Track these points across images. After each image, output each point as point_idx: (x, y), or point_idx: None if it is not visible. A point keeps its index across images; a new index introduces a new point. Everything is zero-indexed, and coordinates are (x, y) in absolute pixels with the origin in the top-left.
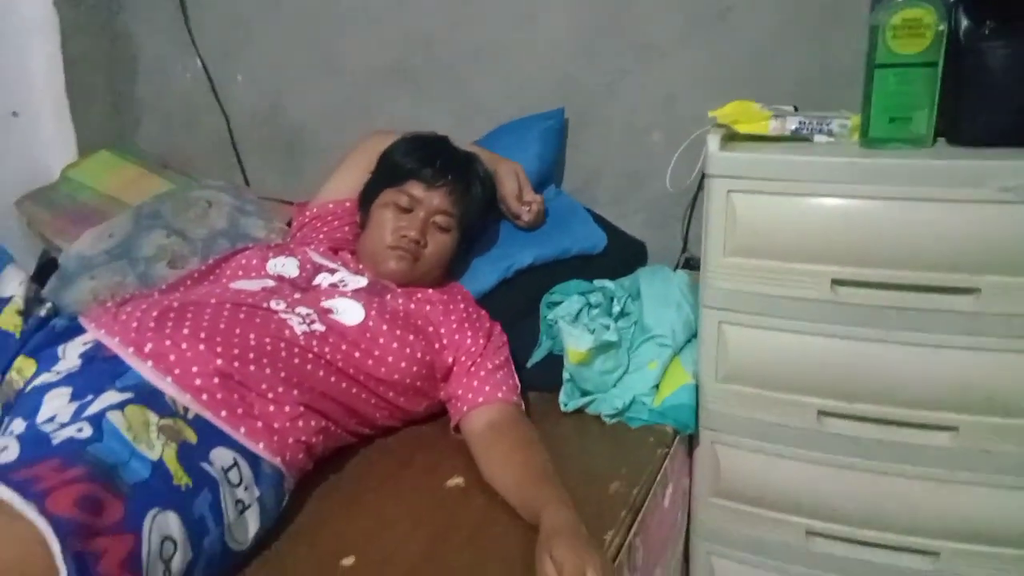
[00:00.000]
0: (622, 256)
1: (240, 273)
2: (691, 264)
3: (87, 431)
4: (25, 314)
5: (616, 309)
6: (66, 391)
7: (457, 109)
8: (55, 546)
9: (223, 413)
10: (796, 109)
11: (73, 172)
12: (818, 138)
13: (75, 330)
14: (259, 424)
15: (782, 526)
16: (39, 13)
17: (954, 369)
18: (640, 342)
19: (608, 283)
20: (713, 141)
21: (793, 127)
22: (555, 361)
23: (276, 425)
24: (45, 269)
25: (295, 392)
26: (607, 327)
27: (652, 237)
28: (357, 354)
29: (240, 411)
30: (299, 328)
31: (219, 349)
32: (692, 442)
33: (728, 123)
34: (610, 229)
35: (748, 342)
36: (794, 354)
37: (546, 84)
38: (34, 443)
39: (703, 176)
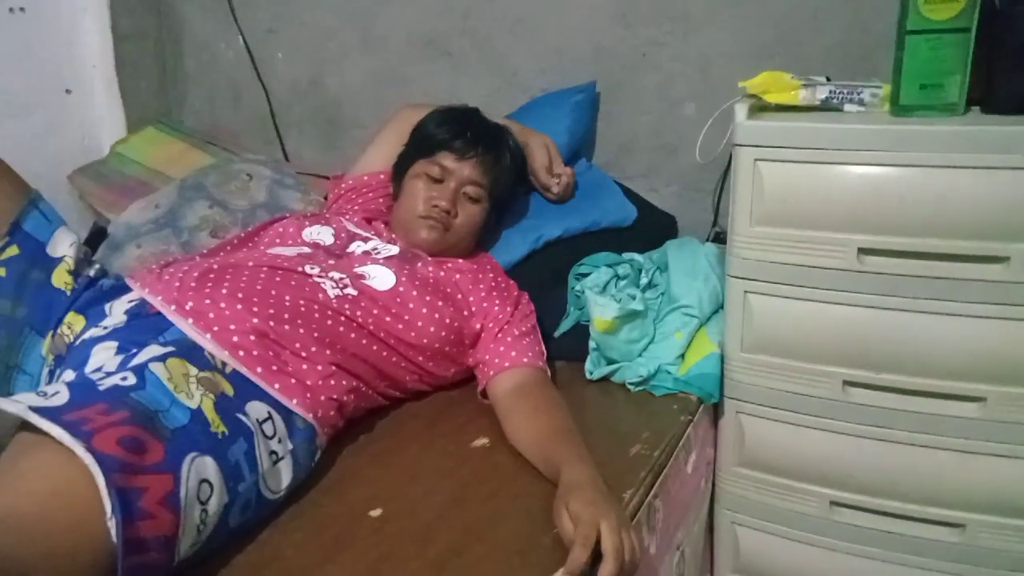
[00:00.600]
0: (652, 229)
1: (277, 240)
2: (721, 238)
3: (131, 379)
4: (75, 273)
5: (644, 280)
6: (112, 344)
7: (493, 82)
8: (100, 479)
9: (259, 369)
10: (828, 79)
11: (122, 147)
12: (848, 107)
13: (121, 289)
14: (293, 381)
15: (806, 496)
16: None
17: (982, 339)
18: (666, 312)
19: (636, 255)
20: (741, 110)
21: (823, 96)
22: (582, 331)
23: (309, 383)
24: (95, 237)
25: (327, 352)
26: (633, 297)
27: (683, 210)
28: (388, 318)
29: (275, 368)
30: (332, 292)
31: (255, 309)
32: (717, 412)
33: (758, 93)
34: (640, 202)
35: (774, 312)
36: (820, 324)
37: (580, 56)
38: (82, 389)
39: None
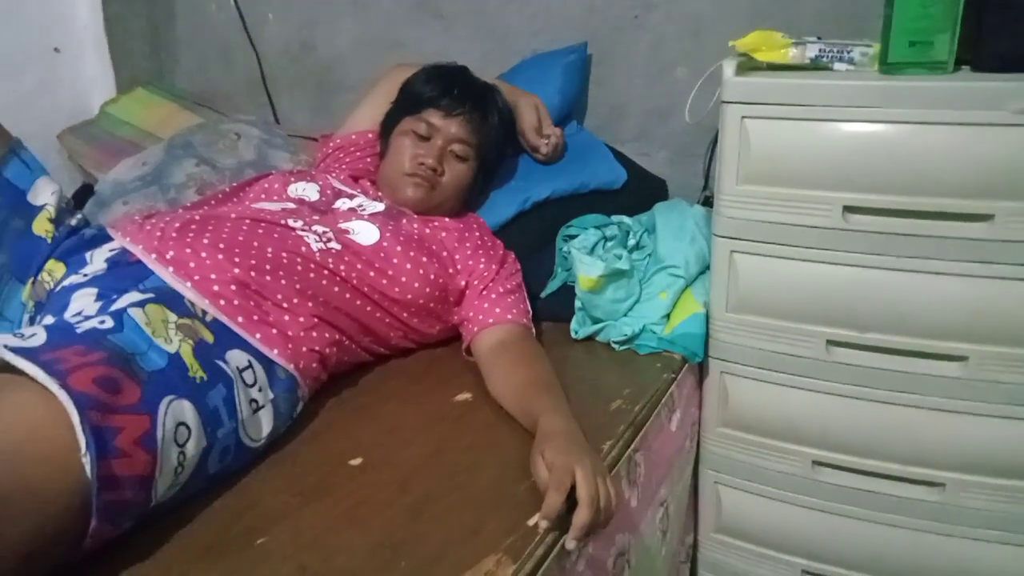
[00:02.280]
0: (642, 193)
1: (263, 196)
2: (710, 202)
3: (109, 323)
4: (56, 222)
5: (632, 242)
6: (92, 291)
7: (484, 44)
8: (74, 416)
9: (239, 319)
10: (820, 39)
11: (112, 108)
12: (838, 66)
13: (102, 238)
14: (274, 331)
15: (789, 456)
16: None
17: (966, 298)
18: (653, 273)
19: (625, 218)
20: (729, 66)
21: (813, 55)
22: (569, 292)
23: (290, 333)
24: (82, 194)
25: (310, 304)
26: (619, 257)
27: (674, 174)
28: (372, 273)
29: (256, 318)
30: (315, 245)
31: (237, 259)
32: (702, 373)
33: (748, 52)
34: (631, 166)
35: (759, 271)
36: (804, 283)
37: (571, 17)
38: (60, 332)
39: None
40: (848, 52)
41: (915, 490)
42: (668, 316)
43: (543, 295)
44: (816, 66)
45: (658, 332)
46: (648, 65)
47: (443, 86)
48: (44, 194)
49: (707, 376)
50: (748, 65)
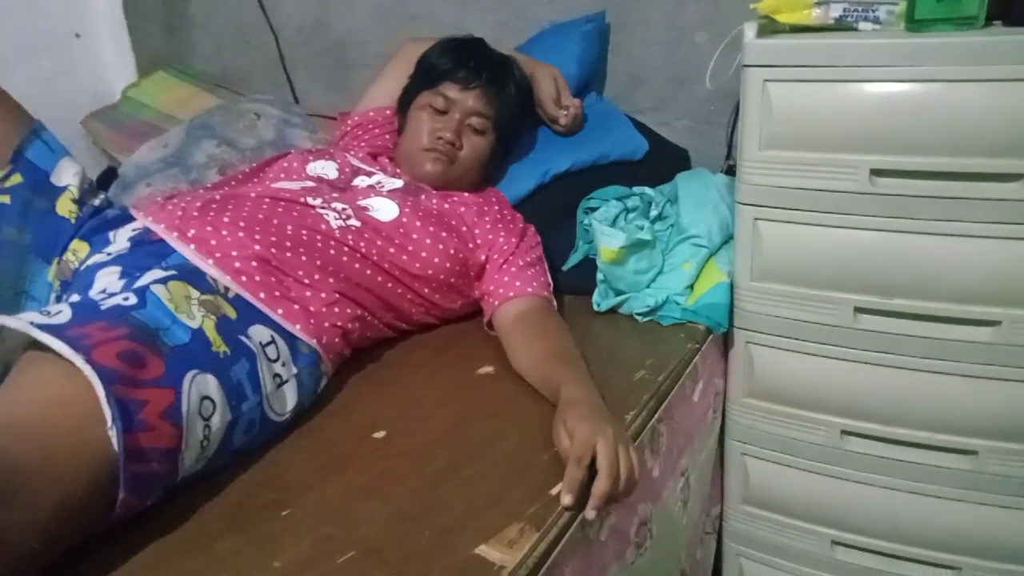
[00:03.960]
0: (664, 163)
1: (282, 175)
2: (733, 171)
3: (132, 299)
4: (79, 202)
5: (654, 213)
6: (116, 269)
7: (499, 15)
8: (100, 390)
9: (261, 295)
10: None
11: (133, 92)
12: (863, 25)
13: (125, 218)
14: (296, 307)
15: (816, 426)
16: None
17: (997, 261)
18: (676, 243)
19: (647, 189)
20: (750, 29)
21: (837, 15)
22: (590, 265)
23: (312, 309)
24: (106, 177)
25: (331, 280)
26: (641, 227)
27: (695, 143)
28: (392, 249)
29: (277, 294)
30: (335, 222)
31: (258, 236)
32: (727, 343)
33: (770, 13)
34: (652, 136)
35: (783, 238)
36: (830, 249)
37: None
38: (84, 309)
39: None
40: (873, 11)
41: (946, 458)
42: (692, 286)
43: (565, 268)
44: (840, 26)
45: (681, 303)
46: (666, 31)
47: (459, 58)
48: (67, 175)
49: (732, 346)
50: (770, 28)
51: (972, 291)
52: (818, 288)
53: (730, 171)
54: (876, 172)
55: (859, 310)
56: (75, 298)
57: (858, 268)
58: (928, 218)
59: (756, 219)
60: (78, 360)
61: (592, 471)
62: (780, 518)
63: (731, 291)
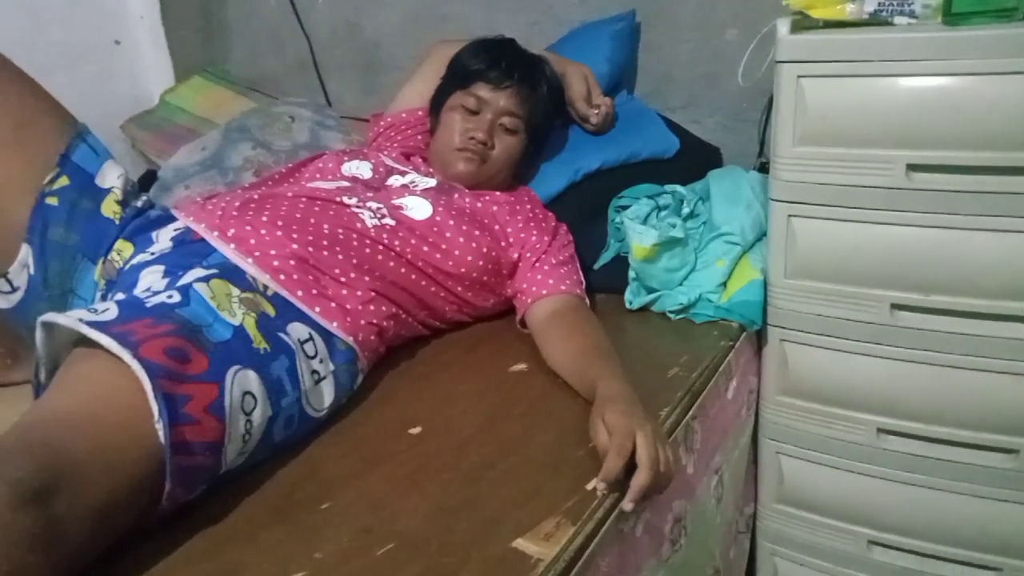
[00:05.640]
0: (695, 161)
1: (317, 175)
2: (766, 168)
3: (176, 297)
4: (123, 203)
5: (686, 211)
6: (159, 268)
7: (529, 15)
8: (147, 384)
9: (299, 293)
10: None
11: (170, 96)
12: (898, 20)
13: (167, 219)
14: (333, 305)
15: (852, 424)
16: None
17: None
18: (708, 241)
19: (678, 187)
20: (783, 24)
21: (872, 9)
22: (622, 263)
23: (348, 307)
24: (146, 180)
25: (366, 278)
26: (673, 225)
27: (728, 141)
28: (425, 248)
29: (315, 292)
30: (370, 221)
31: (295, 235)
32: (760, 341)
33: (802, 9)
34: (683, 134)
35: (818, 235)
36: (866, 246)
37: None
38: (130, 306)
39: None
40: (909, 4)
41: (987, 457)
42: (725, 284)
43: (596, 266)
44: (875, 21)
45: (715, 300)
46: (697, 29)
47: (490, 59)
48: (111, 177)
49: (766, 344)
50: (803, 24)
51: (1012, 287)
52: (853, 285)
53: (763, 168)
54: (912, 167)
55: (896, 307)
56: (121, 296)
57: (894, 264)
58: (967, 213)
59: (790, 216)
60: (126, 355)
61: (629, 465)
62: (815, 517)
63: (764, 288)
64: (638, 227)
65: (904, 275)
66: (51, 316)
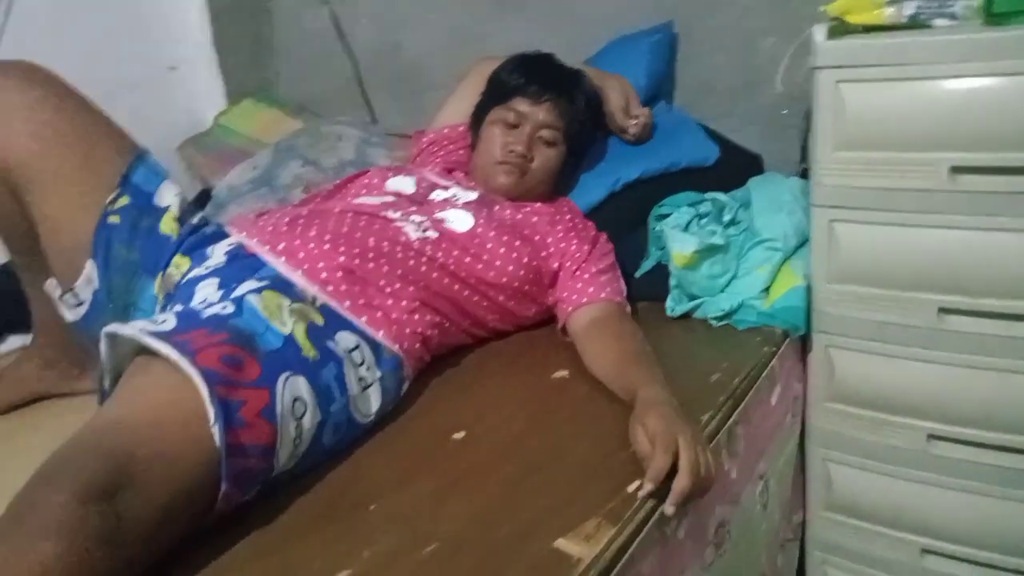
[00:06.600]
0: (736, 169)
1: (363, 191)
2: (807, 175)
3: (230, 308)
4: (180, 221)
5: (726, 218)
6: (214, 281)
7: (567, 31)
8: (204, 390)
9: (346, 303)
10: None
11: (224, 119)
12: (938, 22)
13: (221, 235)
14: (379, 314)
15: (901, 430)
16: None
17: None
18: (749, 247)
19: (719, 195)
20: (820, 31)
21: (910, 12)
22: (663, 271)
23: (394, 316)
24: (201, 198)
25: (411, 289)
26: (714, 232)
27: (769, 148)
28: (467, 259)
29: (361, 302)
30: (414, 234)
31: (342, 249)
32: (805, 347)
33: (840, 15)
34: (723, 142)
35: (861, 240)
36: (910, 249)
37: None
38: (187, 317)
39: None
40: (949, 6)
41: None
42: (767, 290)
43: (637, 275)
44: (914, 24)
45: (757, 306)
46: (734, 38)
47: (529, 74)
48: (168, 196)
49: (811, 350)
50: (840, 29)
51: None
52: (899, 289)
53: (804, 175)
54: (956, 169)
55: (944, 311)
56: (178, 308)
57: (940, 267)
58: (1013, 215)
59: (831, 221)
60: (184, 363)
61: (671, 469)
62: (866, 525)
63: (808, 294)
64: (678, 235)
65: (950, 278)
66: (114, 327)
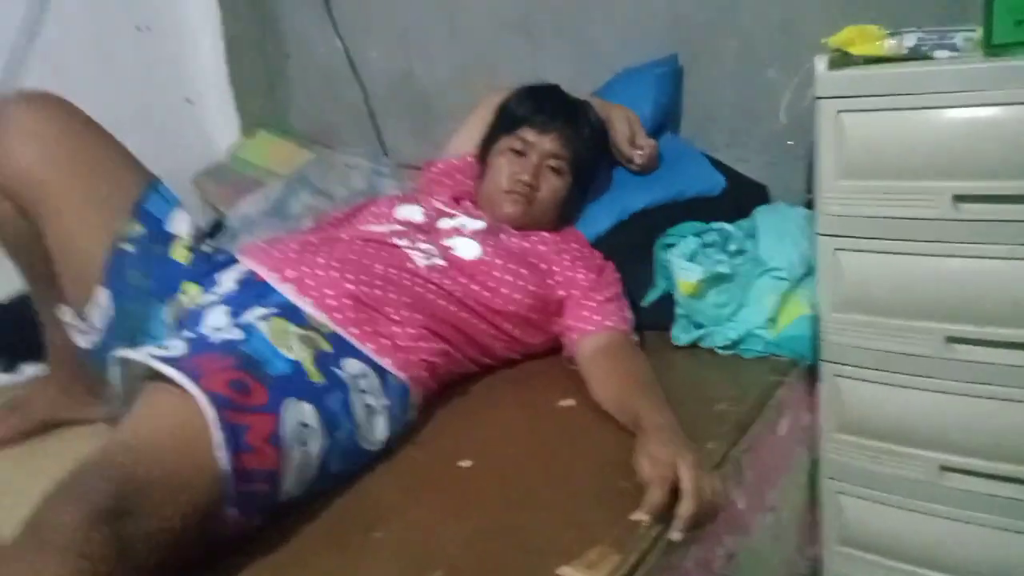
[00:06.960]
0: (742, 198)
1: (372, 219)
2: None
3: (239, 335)
4: (192, 248)
5: (732, 248)
6: (224, 308)
7: (575, 62)
8: (210, 414)
9: (354, 331)
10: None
11: (239, 151)
12: (939, 54)
13: (232, 262)
14: (386, 342)
15: (913, 461)
16: (203, 4)
17: None
18: (756, 277)
19: (724, 224)
20: (821, 62)
21: (911, 44)
22: (669, 301)
23: (401, 344)
24: (214, 229)
25: (418, 316)
26: (720, 261)
27: (774, 178)
28: (475, 287)
29: (369, 330)
30: (421, 262)
31: (350, 276)
32: (815, 378)
33: (842, 47)
34: (729, 172)
35: (866, 268)
36: (916, 277)
37: (659, 28)
38: (197, 343)
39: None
40: (950, 38)
41: None
42: (774, 320)
43: (644, 304)
44: (914, 56)
45: (764, 336)
46: (738, 69)
47: (536, 104)
48: (180, 223)
49: (820, 380)
50: (842, 61)
51: None
52: (905, 318)
53: (810, 205)
54: (959, 198)
55: (951, 339)
56: (188, 334)
57: (946, 296)
58: (1017, 243)
59: (836, 250)
60: (192, 388)
61: (674, 496)
62: (881, 560)
63: (815, 324)
64: (684, 264)
65: (957, 307)
66: (125, 352)
